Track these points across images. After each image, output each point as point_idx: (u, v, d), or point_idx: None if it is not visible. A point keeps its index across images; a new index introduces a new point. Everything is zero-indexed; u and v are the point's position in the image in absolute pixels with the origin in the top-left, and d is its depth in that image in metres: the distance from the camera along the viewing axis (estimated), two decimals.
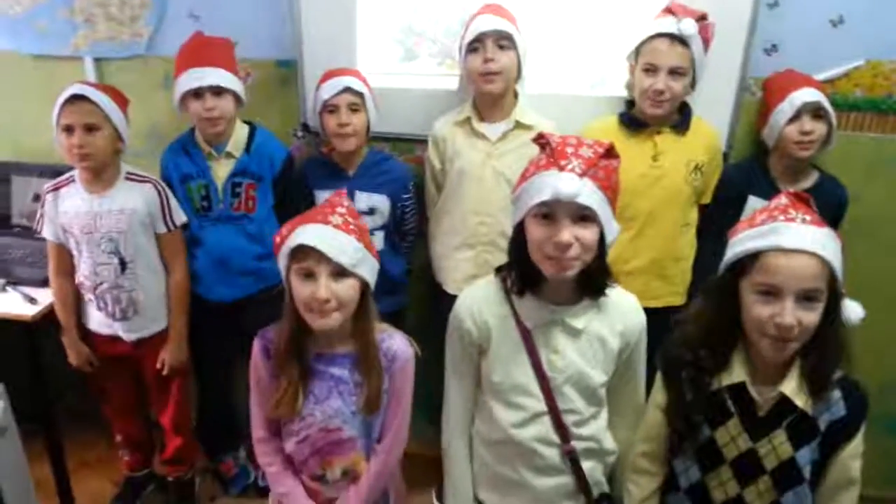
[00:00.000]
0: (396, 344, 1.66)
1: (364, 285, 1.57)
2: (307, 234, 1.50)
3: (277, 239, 1.57)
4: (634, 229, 2.15)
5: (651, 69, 2.05)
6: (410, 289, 2.55)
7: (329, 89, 2.22)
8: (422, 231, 2.48)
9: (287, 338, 1.60)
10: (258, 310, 2.31)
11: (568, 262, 1.37)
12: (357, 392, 1.63)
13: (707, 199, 2.22)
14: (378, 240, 2.31)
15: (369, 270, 1.57)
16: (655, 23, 2.05)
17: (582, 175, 1.34)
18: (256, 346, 1.68)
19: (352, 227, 1.54)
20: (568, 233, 1.35)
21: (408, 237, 2.47)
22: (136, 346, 2.31)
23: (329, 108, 2.23)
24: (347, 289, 1.53)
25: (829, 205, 2.04)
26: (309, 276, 1.51)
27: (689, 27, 1.99)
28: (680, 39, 2.01)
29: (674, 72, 2.03)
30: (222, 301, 2.34)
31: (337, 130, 2.23)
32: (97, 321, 2.28)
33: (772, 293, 1.27)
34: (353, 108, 2.23)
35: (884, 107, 2.17)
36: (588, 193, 1.33)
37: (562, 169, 1.35)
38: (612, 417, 1.62)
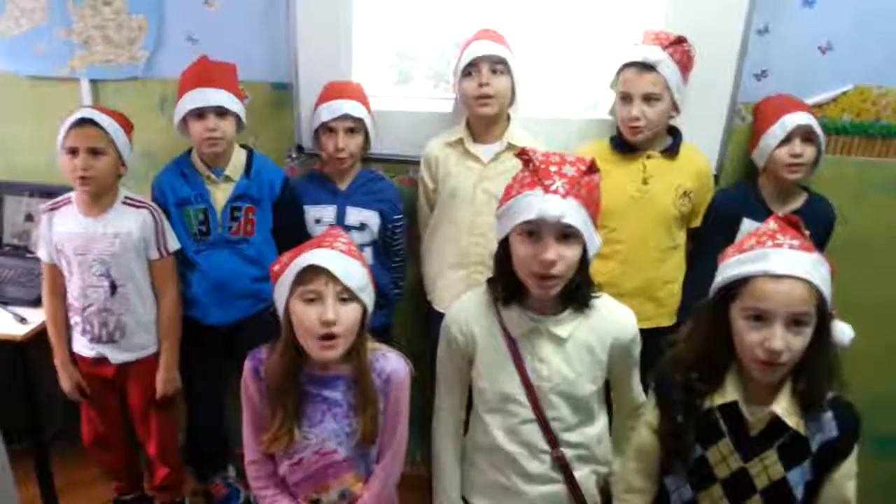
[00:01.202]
0: (391, 364, 1.66)
1: (363, 312, 1.58)
2: (316, 256, 1.52)
3: (276, 267, 1.58)
4: (622, 252, 2.17)
5: (626, 97, 2.10)
6: (399, 307, 2.56)
7: (328, 112, 2.24)
8: (411, 250, 2.49)
9: (282, 365, 1.59)
10: (254, 331, 2.30)
11: (552, 281, 1.43)
12: (351, 415, 1.61)
13: (697, 223, 2.24)
14: (367, 255, 2.31)
15: (369, 297, 1.59)
16: (626, 53, 2.11)
17: (566, 195, 1.38)
18: (247, 366, 1.67)
19: (356, 254, 1.58)
20: (553, 251, 1.40)
21: (397, 257, 2.48)
22: (121, 371, 2.27)
23: (327, 128, 2.25)
24: (351, 313, 1.54)
25: (818, 224, 2.07)
26: (314, 300, 1.51)
27: (653, 54, 2.04)
28: (648, 66, 2.05)
29: (648, 98, 2.07)
30: (219, 324, 2.33)
31: (334, 154, 2.25)
32: (81, 344, 2.26)
33: (761, 318, 1.28)
34: (351, 130, 2.26)
35: (871, 131, 2.20)
36: (572, 213, 1.38)
37: (546, 189, 1.39)
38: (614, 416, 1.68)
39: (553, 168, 1.41)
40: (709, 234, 2.22)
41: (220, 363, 2.47)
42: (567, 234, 1.41)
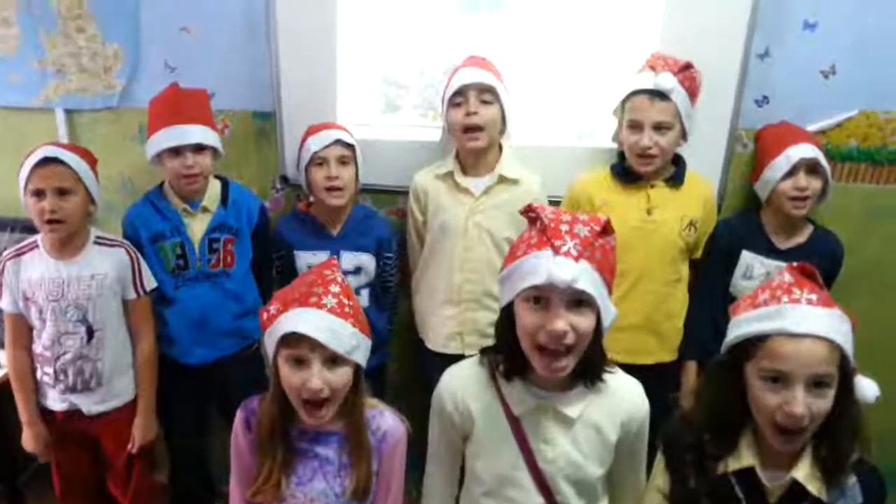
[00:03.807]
0: (387, 422, 1.57)
1: (356, 369, 1.49)
2: (300, 320, 1.41)
3: (264, 315, 1.48)
4: (626, 285, 2.06)
5: (635, 126, 2.00)
6: (392, 343, 2.47)
7: (318, 141, 2.15)
8: (403, 285, 2.41)
9: (273, 418, 1.51)
10: (236, 370, 2.26)
11: (561, 363, 1.29)
12: (342, 474, 1.53)
13: (698, 255, 2.15)
14: (363, 298, 2.24)
15: (363, 354, 1.49)
16: (635, 79, 2.01)
17: (578, 257, 1.25)
18: (239, 417, 1.58)
19: (347, 309, 1.46)
20: (563, 321, 1.25)
21: (389, 292, 2.38)
22: (96, 422, 2.14)
23: (317, 160, 2.15)
24: (341, 377, 1.45)
25: (824, 259, 1.99)
26: (300, 362, 1.42)
27: (666, 81, 1.94)
28: (660, 94, 1.96)
29: (658, 127, 1.97)
30: (199, 364, 2.22)
31: (325, 184, 2.14)
32: (52, 397, 2.11)
33: (779, 380, 1.19)
34: (343, 161, 2.16)
35: (878, 157, 2.12)
36: (585, 278, 1.25)
37: (556, 250, 1.25)
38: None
39: (564, 227, 1.28)
40: (709, 267, 2.14)
41: (202, 403, 2.39)
42: (580, 300, 1.27)
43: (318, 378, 1.40)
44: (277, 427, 1.51)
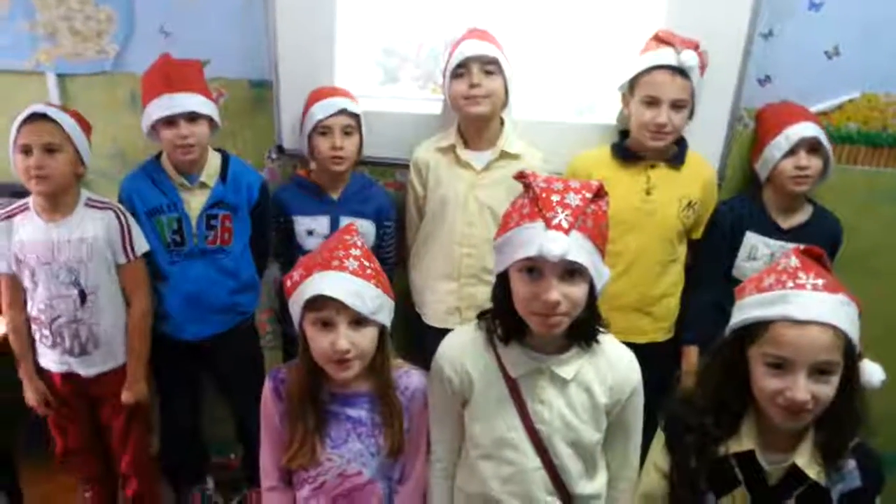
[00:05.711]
0: (414, 382, 1.59)
1: (381, 330, 1.51)
2: (324, 282, 1.42)
3: (288, 282, 1.50)
4: (623, 264, 2.07)
5: (652, 102, 1.98)
6: None
7: (323, 110, 2.12)
8: (401, 258, 2.39)
9: (302, 384, 1.53)
10: (231, 345, 2.25)
11: (556, 320, 1.31)
12: (376, 433, 1.55)
13: (698, 235, 2.16)
14: None
15: (387, 314, 1.51)
16: (655, 54, 1.98)
17: (569, 229, 1.25)
18: (268, 386, 1.60)
19: (369, 271, 1.47)
20: (556, 292, 1.27)
21: (387, 264, 2.36)
22: (94, 383, 2.15)
23: (321, 129, 2.13)
24: (367, 337, 1.47)
25: (823, 239, 2.00)
26: (326, 325, 1.44)
27: (690, 59, 1.93)
28: (681, 71, 1.94)
29: (675, 104, 1.96)
30: (193, 340, 2.20)
31: (330, 153, 2.12)
32: (50, 359, 2.12)
33: (782, 366, 1.19)
34: (347, 132, 2.14)
35: (878, 140, 2.13)
36: (576, 249, 1.26)
37: (548, 223, 1.26)
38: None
39: (555, 198, 1.28)
40: (711, 248, 2.14)
41: (196, 374, 2.37)
42: (572, 270, 1.28)
43: (344, 339, 1.42)
44: (307, 393, 1.53)
